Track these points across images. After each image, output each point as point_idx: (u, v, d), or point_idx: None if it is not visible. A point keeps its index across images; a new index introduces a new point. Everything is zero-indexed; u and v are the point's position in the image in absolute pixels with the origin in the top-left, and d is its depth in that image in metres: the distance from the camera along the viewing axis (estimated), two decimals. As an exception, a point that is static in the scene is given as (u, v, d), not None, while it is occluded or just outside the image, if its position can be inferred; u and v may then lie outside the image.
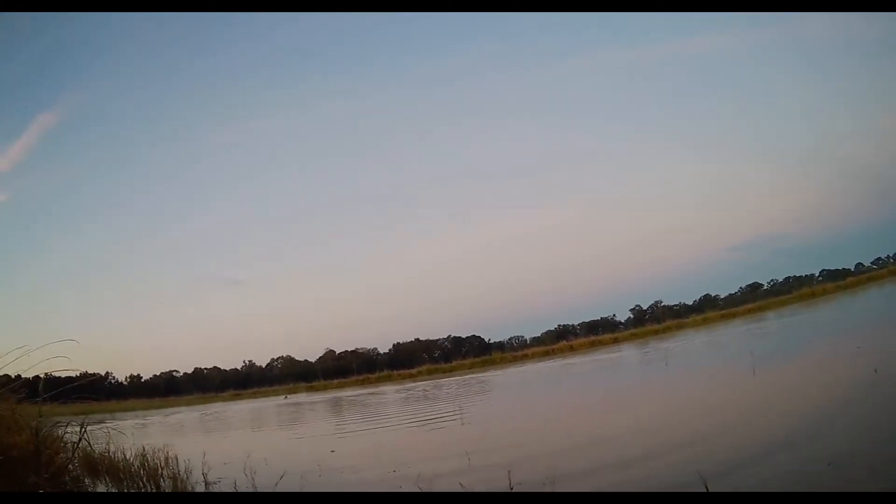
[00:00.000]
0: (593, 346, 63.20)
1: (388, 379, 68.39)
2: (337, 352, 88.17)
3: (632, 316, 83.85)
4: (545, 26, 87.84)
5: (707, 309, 73.21)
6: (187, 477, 11.52)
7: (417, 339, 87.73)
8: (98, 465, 11.71)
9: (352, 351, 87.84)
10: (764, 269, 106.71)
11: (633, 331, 70.13)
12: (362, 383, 67.85)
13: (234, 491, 10.70)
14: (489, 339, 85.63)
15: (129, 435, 15.30)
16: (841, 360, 17.43)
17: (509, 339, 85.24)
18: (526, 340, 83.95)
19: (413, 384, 52.68)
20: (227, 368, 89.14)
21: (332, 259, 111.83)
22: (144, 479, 11.18)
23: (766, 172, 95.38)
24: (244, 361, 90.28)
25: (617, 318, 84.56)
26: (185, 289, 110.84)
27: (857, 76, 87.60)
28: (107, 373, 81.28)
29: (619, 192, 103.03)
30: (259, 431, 28.89)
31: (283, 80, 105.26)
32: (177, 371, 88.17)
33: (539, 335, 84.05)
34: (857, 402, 11.61)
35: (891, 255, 75.61)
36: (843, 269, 76.69)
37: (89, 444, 11.32)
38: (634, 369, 32.59)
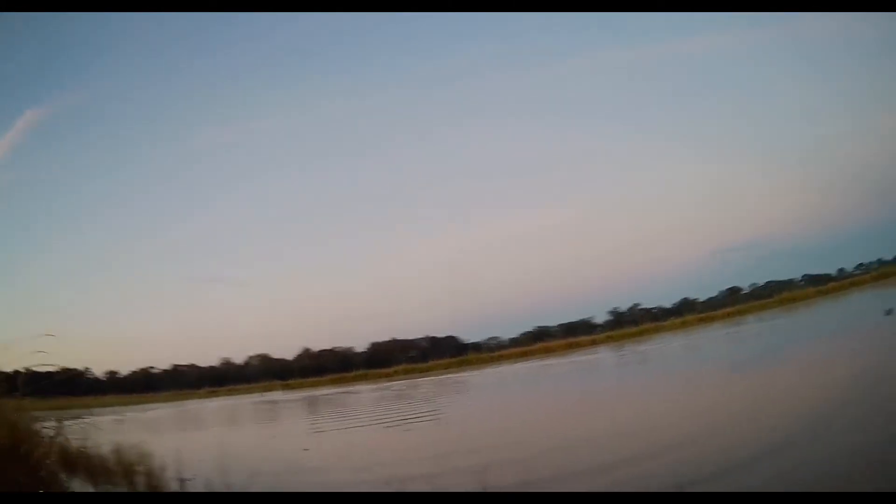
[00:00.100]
0: (570, 347, 62.92)
1: (364, 378, 68.18)
2: (313, 350, 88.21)
3: (610, 318, 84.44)
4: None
5: (685, 312, 72.22)
6: (161, 474, 11.43)
7: (394, 339, 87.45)
8: (75, 460, 11.88)
9: (328, 350, 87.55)
10: (745, 273, 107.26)
11: (610, 333, 69.98)
12: (338, 382, 67.49)
13: (209, 491, 10.86)
14: (466, 340, 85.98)
15: (106, 431, 15.47)
16: (812, 366, 17.97)
17: (486, 340, 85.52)
18: (503, 341, 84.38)
19: (389, 384, 52.72)
20: (204, 366, 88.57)
21: (310, 258, 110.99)
22: (120, 476, 11.40)
23: (751, 177, 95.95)
24: (221, 359, 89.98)
25: (595, 321, 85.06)
26: (164, 285, 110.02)
27: (849, 79, 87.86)
28: (85, 368, 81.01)
29: (603, 196, 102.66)
30: (234, 429, 28.94)
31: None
32: (154, 367, 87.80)
33: (516, 336, 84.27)
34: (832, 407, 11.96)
35: (874, 260, 75.43)
36: (825, 274, 75.43)
37: (67, 439, 11.53)
38: (610, 372, 33.00)
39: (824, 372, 16.61)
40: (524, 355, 64.91)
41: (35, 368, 10.89)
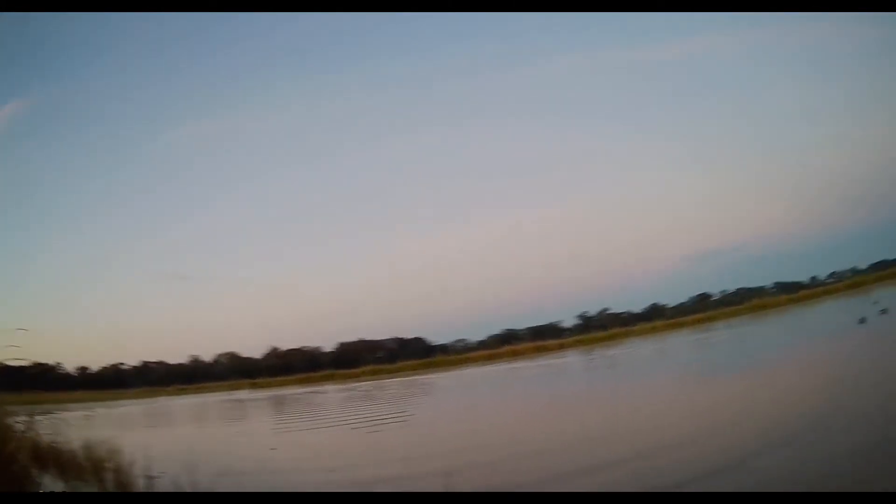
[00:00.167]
0: (538, 351, 63.31)
1: (332, 378, 68.12)
2: (281, 349, 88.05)
3: (578, 322, 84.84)
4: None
5: (655, 318, 73.30)
6: (130, 470, 11.43)
7: (362, 340, 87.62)
8: (46, 456, 12.01)
9: (296, 349, 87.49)
10: (715, 280, 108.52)
11: (578, 337, 70.59)
12: (305, 382, 67.40)
13: (178, 491, 10.95)
14: (434, 342, 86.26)
15: (76, 427, 15.55)
16: (780, 375, 18.31)
17: (454, 342, 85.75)
18: (470, 343, 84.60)
19: (356, 384, 52.71)
20: (173, 363, 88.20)
21: (279, 258, 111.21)
22: (90, 472, 11.53)
23: (723, 184, 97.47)
24: (190, 356, 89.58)
25: (563, 324, 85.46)
26: (136, 282, 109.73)
27: (821, 90, 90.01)
28: (56, 363, 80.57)
29: (573, 202, 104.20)
30: (202, 427, 28.90)
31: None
32: (124, 364, 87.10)
33: (484, 339, 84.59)
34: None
35: (847, 269, 75.98)
36: (797, 282, 76.96)
37: (38, 434, 11.65)
38: (578, 376, 33.40)
39: (793, 381, 16.95)
40: (492, 358, 65.11)
41: (7, 363, 11.01)
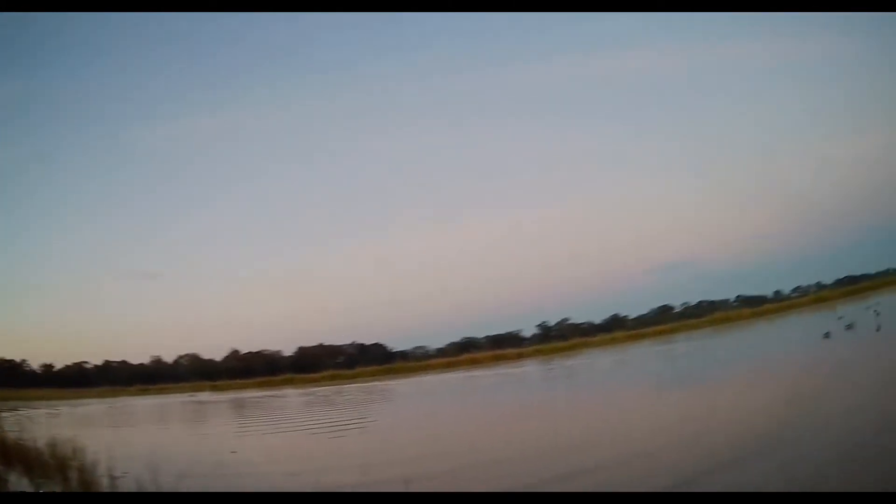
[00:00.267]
0: (497, 360, 63.56)
1: (291, 382, 67.72)
2: (241, 352, 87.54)
3: (538, 332, 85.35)
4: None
5: (615, 329, 72.79)
6: (93, 469, 11.57)
7: (321, 344, 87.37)
8: (11, 453, 12.20)
9: (256, 352, 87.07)
10: (677, 292, 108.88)
11: (538, 347, 70.60)
12: (265, 385, 67.11)
13: (140, 490, 11.11)
14: (393, 348, 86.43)
15: (41, 425, 15.68)
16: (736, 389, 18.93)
17: (413, 349, 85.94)
18: (430, 351, 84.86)
19: (316, 389, 52.72)
20: (135, 363, 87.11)
21: (241, 259, 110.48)
22: (54, 470, 11.73)
23: (687, 195, 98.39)
24: (151, 357, 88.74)
25: (522, 334, 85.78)
26: (98, 280, 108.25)
27: (791, 103, 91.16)
28: (22, 360, 79.83)
29: (534, 210, 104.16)
30: (164, 428, 28.76)
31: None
32: (87, 362, 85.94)
33: (443, 346, 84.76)
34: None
35: (812, 284, 75.43)
36: (761, 295, 76.17)
37: (3, 431, 11.82)
38: (535, 386, 33.94)
39: (744, 395, 17.46)
40: (451, 366, 65.21)
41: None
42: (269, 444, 19.83)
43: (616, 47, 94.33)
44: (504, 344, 78.36)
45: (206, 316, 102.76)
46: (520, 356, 65.16)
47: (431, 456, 14.36)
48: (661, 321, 73.76)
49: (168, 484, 11.06)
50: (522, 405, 24.49)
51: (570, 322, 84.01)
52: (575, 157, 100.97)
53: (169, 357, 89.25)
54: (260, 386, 67.24)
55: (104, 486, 11.32)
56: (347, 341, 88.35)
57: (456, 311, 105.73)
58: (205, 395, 59.58)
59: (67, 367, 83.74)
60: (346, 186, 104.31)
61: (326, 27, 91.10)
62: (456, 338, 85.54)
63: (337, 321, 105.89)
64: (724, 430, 13.14)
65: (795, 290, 77.63)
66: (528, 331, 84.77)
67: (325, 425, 22.68)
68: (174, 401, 53.62)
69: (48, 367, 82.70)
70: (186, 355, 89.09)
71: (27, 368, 78.65)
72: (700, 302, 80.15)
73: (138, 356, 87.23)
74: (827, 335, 27.81)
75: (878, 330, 27.08)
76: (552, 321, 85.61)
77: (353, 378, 65.12)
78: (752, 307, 69.02)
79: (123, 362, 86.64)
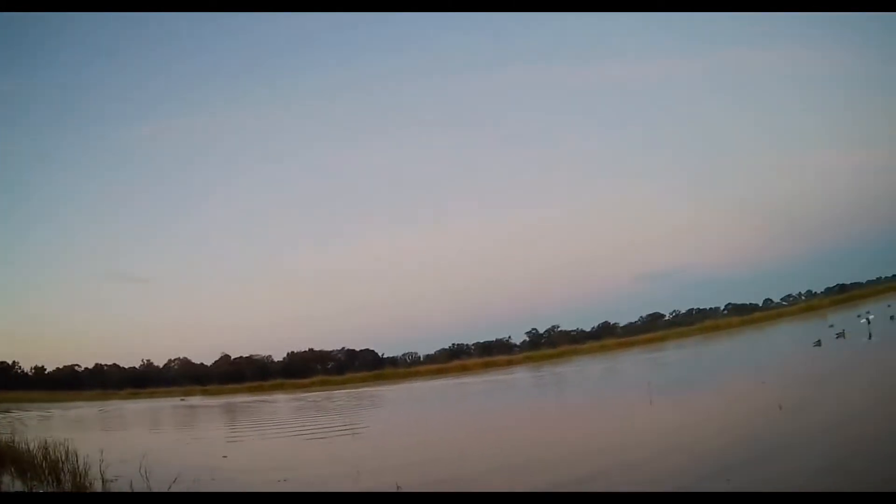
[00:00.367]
0: (487, 367, 63.82)
1: (281, 388, 67.88)
2: (232, 357, 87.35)
3: (527, 339, 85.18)
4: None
5: (605, 336, 73.43)
6: (86, 472, 11.61)
7: (311, 350, 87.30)
8: (4, 454, 12.26)
9: (247, 357, 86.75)
10: (668, 300, 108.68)
11: (528, 354, 71.03)
12: (255, 390, 67.29)
13: (131, 491, 10.87)
14: (383, 354, 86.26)
15: (33, 427, 15.69)
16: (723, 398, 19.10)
17: (403, 355, 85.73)
18: (419, 357, 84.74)
19: (305, 394, 52.61)
20: (126, 366, 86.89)
21: (232, 263, 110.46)
22: (47, 473, 11.80)
23: (677, 204, 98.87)
24: (142, 360, 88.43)
25: (512, 341, 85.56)
26: (90, 283, 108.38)
27: (781, 115, 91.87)
28: (14, 362, 79.70)
29: (525, 217, 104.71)
30: (155, 433, 28.70)
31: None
32: (78, 365, 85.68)
33: (433, 353, 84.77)
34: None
35: (803, 292, 77.10)
36: (751, 304, 77.59)
37: (-3, 434, 11.86)
38: (524, 393, 34.02)
39: (734, 404, 17.64)
40: (440, 372, 65.41)
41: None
42: (260, 449, 19.86)
43: (614, 54, 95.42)
44: (494, 351, 78.60)
45: (198, 320, 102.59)
46: (510, 363, 65.51)
47: (421, 463, 14.37)
48: (651, 329, 74.66)
49: (159, 488, 11.11)
50: (512, 413, 24.51)
51: (560, 329, 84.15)
52: (567, 164, 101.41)
53: (160, 361, 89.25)
54: (250, 391, 67.29)
55: (96, 488, 11.31)
56: (338, 347, 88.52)
57: (446, 318, 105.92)
58: (195, 400, 59.43)
59: (59, 369, 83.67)
60: (338, 193, 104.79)
61: (326, 27, 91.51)
62: (446, 344, 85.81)
63: (327, 327, 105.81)
64: (714, 438, 13.24)
65: (786, 298, 78.97)
66: (518, 338, 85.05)
67: (315, 431, 22.70)
68: (165, 405, 53.31)
69: (39, 370, 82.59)
70: (177, 359, 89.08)
71: (18, 371, 78.59)
72: (690, 310, 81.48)
73: (129, 360, 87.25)
74: (818, 343, 27.96)
75: (869, 338, 27.35)
76: (542, 328, 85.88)
77: (342, 384, 65.30)
78: (742, 315, 69.47)
79: (115, 365, 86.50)
